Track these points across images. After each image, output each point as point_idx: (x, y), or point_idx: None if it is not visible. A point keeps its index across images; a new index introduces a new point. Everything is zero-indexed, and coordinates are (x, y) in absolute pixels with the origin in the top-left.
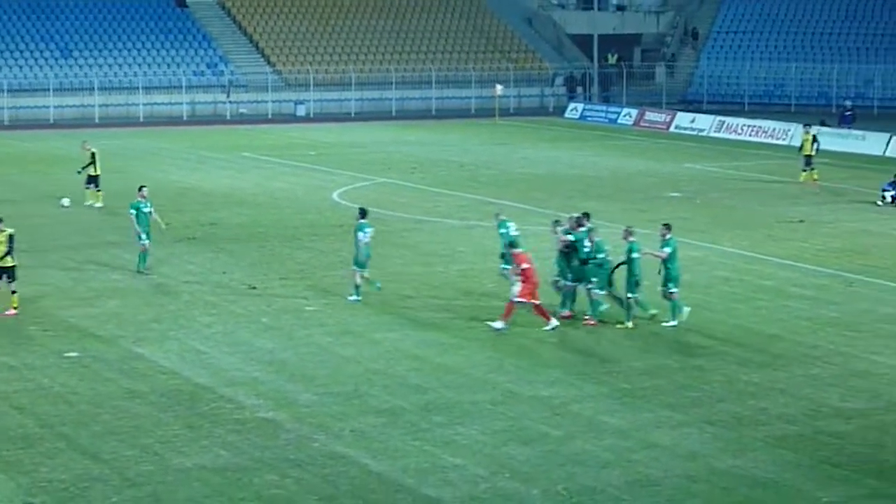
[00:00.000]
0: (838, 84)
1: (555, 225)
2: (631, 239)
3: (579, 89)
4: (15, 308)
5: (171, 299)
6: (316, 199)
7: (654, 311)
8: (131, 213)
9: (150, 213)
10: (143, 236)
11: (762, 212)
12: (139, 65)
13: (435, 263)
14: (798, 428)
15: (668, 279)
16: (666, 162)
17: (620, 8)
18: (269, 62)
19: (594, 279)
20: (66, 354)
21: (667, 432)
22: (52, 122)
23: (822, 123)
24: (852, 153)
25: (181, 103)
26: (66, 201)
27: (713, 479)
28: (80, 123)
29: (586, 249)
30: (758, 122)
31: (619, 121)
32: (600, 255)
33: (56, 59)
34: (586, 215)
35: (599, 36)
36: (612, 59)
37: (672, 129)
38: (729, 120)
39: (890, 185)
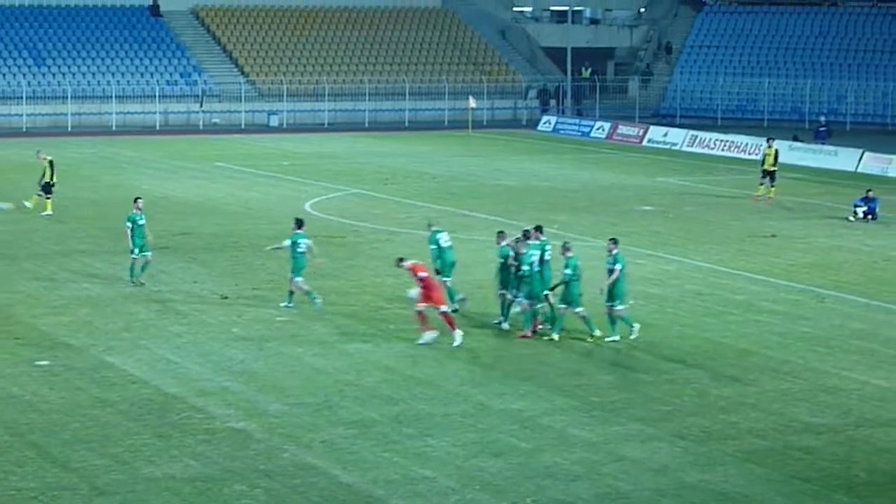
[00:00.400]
0: (811, 100)
1: (499, 236)
2: (568, 255)
3: (552, 102)
4: None
5: (142, 308)
6: (289, 209)
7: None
8: (127, 226)
9: (143, 225)
10: (137, 251)
11: (734, 226)
12: (112, 73)
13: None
14: (768, 443)
15: (614, 296)
16: (638, 175)
17: (594, 21)
18: (242, 72)
19: (519, 291)
20: (37, 363)
21: (637, 446)
22: (24, 129)
23: (795, 139)
24: (824, 168)
25: (154, 112)
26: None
27: (683, 494)
28: (53, 132)
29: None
30: (730, 137)
31: (592, 134)
32: (524, 268)
33: (29, 67)
34: (538, 228)
35: (573, 49)
36: (586, 73)
37: (645, 142)
38: (702, 134)
39: (861, 200)
